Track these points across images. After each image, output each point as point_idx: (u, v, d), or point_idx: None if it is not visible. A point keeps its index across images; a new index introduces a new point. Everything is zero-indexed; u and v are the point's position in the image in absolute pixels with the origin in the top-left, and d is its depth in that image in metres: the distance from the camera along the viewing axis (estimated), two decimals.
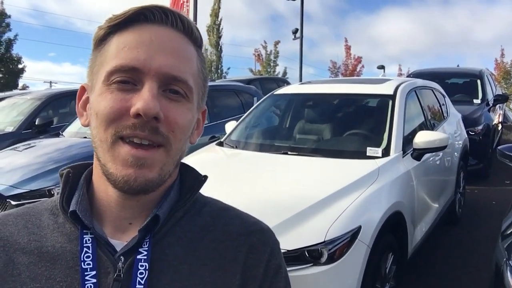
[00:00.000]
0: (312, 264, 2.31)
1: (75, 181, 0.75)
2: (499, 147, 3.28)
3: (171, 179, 0.75)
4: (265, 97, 4.53)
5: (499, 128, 8.54)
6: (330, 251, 2.33)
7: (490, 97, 7.86)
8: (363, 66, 25.20)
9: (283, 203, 2.61)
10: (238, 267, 0.72)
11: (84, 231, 0.69)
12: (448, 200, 4.41)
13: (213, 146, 3.93)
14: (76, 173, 0.76)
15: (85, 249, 0.68)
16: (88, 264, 0.67)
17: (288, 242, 2.33)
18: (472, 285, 3.55)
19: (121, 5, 0.74)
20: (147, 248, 0.69)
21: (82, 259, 0.67)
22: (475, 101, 7.46)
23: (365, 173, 2.89)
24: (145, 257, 0.68)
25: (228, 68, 24.99)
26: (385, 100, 3.70)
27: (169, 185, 0.75)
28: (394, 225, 2.89)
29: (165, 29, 0.69)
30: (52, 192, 3.58)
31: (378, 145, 3.30)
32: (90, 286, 0.66)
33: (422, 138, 3.36)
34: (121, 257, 0.68)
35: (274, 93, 4.48)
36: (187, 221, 0.74)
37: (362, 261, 2.44)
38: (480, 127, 6.59)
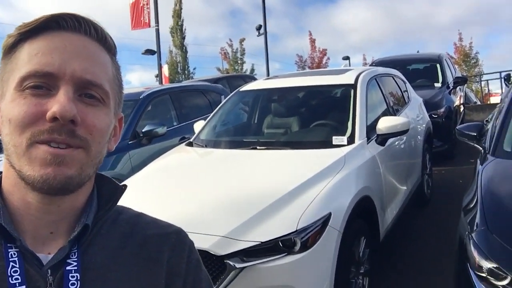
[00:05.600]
0: (286, 253, 2.36)
1: None
2: (457, 127, 3.43)
3: (89, 188, 0.74)
4: (231, 94, 4.57)
5: (461, 109, 8.82)
6: (303, 239, 2.39)
7: (450, 80, 8.12)
8: (328, 58, 25.63)
9: (254, 197, 2.65)
10: (162, 267, 0.76)
11: (8, 244, 0.66)
12: (415, 182, 4.56)
13: (182, 146, 3.94)
14: None
15: (11, 263, 0.65)
16: (16, 279, 0.64)
17: (261, 234, 2.38)
18: (446, 261, 3.69)
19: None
20: (76, 259, 0.69)
21: (9, 274, 0.64)
22: (436, 84, 7.70)
23: (332, 161, 2.97)
24: (76, 268, 0.68)
25: (194, 68, 24.95)
26: (347, 90, 3.79)
27: (88, 195, 0.74)
28: (364, 210, 2.98)
29: (78, 36, 0.69)
30: None
31: (343, 134, 3.39)
32: None
33: (385, 123, 3.47)
34: (48, 270, 0.67)
35: (240, 90, 4.53)
36: (107, 230, 0.75)
37: (335, 246, 2.51)
38: (442, 110, 6.81)
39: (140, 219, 0.81)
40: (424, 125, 5.17)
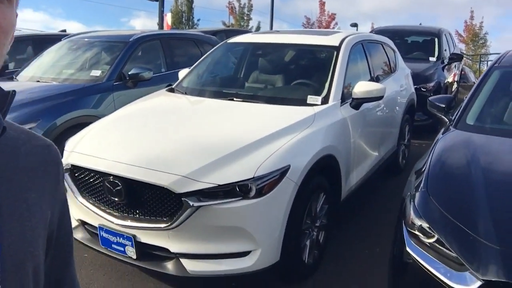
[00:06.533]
0: (241, 198, 2.50)
1: None
2: (429, 98, 3.50)
3: None
4: (218, 45, 4.61)
5: (454, 86, 8.84)
6: (259, 186, 2.52)
7: (446, 55, 8.10)
8: (336, 23, 25.20)
9: (219, 143, 2.76)
10: (50, 174, 0.79)
11: None
12: (389, 151, 4.67)
13: (163, 91, 4.02)
14: None
15: None
16: None
17: (220, 177, 2.50)
18: None
19: None
20: None
21: None
22: (431, 59, 7.68)
23: (301, 118, 3.07)
24: None
25: (198, 20, 24.49)
26: (331, 51, 3.84)
27: None
28: (326, 167, 3.10)
29: None
30: None
31: (319, 94, 3.47)
32: None
33: (361, 88, 3.54)
34: None
35: (228, 41, 4.56)
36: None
37: (290, 197, 2.64)
38: (432, 84, 6.84)
39: (22, 128, 0.79)
40: (407, 97, 5.23)
